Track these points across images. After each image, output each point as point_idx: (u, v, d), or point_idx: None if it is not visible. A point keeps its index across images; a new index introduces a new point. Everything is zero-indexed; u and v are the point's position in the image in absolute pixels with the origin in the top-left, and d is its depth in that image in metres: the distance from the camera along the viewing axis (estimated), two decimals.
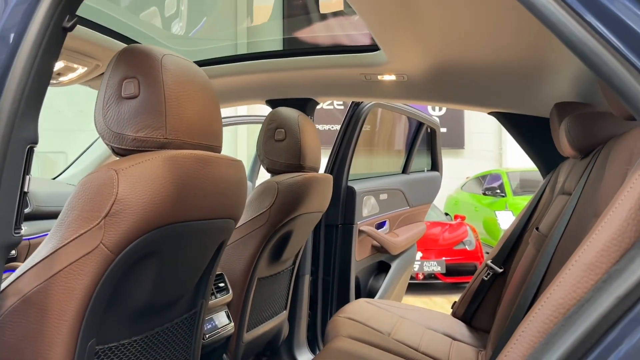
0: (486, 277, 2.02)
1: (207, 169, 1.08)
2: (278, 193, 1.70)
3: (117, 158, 1.05)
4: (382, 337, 1.67)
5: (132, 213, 0.94)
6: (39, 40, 0.89)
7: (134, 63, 1.03)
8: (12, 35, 0.89)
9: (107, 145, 1.06)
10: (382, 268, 2.78)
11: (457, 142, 10.57)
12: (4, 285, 0.94)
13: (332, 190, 2.05)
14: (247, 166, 3.71)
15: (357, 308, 1.89)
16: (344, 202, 2.45)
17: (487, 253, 7.49)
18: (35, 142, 0.90)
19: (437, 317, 2.08)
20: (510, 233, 2.07)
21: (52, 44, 0.92)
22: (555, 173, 2.00)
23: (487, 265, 2.02)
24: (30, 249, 1.84)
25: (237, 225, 1.75)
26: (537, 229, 1.69)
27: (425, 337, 1.80)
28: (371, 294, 2.66)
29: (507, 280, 1.93)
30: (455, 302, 2.15)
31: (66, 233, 0.93)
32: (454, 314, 2.11)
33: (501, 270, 1.98)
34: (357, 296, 2.56)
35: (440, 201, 8.59)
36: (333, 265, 2.42)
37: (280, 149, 1.80)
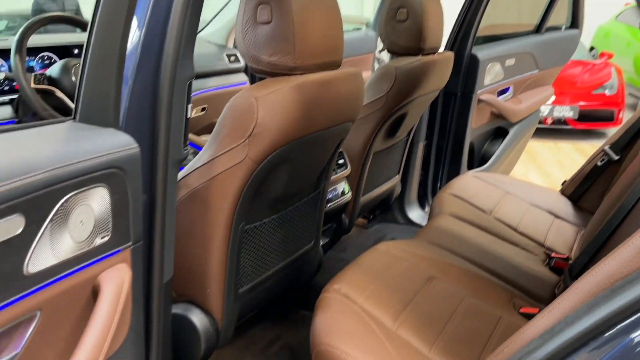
0: (600, 162, 2.03)
1: (329, 89, 1.24)
2: (396, 79, 1.80)
3: None
4: (484, 216, 1.85)
5: (269, 133, 1.15)
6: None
7: None
8: None
9: (248, 64, 1.24)
10: (499, 133, 2.83)
11: None
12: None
13: (454, 60, 2.08)
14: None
15: (464, 183, 2.05)
16: (466, 71, 2.45)
17: (631, 95, 6.89)
18: (193, 77, 1.10)
19: (544, 193, 2.17)
20: (636, 119, 2.00)
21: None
22: None
23: (603, 150, 2.02)
24: None
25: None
26: None
27: (527, 215, 1.94)
28: (485, 159, 2.77)
29: (620, 169, 1.94)
30: (565, 181, 2.21)
31: (220, 146, 1.18)
32: (562, 192, 2.19)
33: (617, 158, 1.98)
34: (470, 162, 2.69)
35: (587, 34, 7.74)
36: (448, 132, 2.53)
37: (401, 31, 1.84)
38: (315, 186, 1.54)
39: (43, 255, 0.66)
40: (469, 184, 2.05)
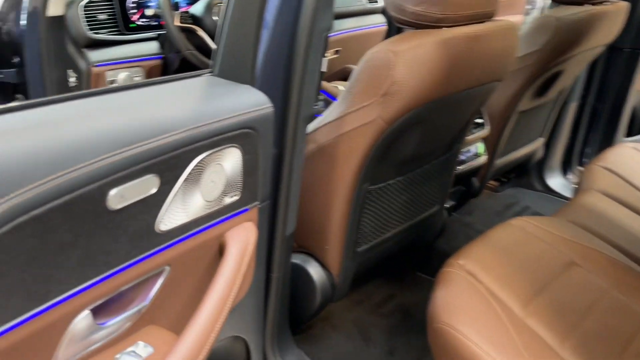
0: None
1: (477, 45, 1.10)
2: (555, 31, 1.58)
3: None
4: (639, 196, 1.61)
5: (405, 93, 1.06)
6: None
7: None
8: None
9: (390, 12, 1.14)
10: None
11: None
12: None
13: (629, 12, 1.79)
14: None
15: (620, 155, 1.79)
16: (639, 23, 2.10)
17: None
18: (330, 29, 1.03)
19: None
20: None
21: None
22: None
23: None
24: None
25: None
26: None
27: None
28: None
29: None
30: None
31: (352, 102, 1.12)
32: None
33: None
34: (630, 129, 2.36)
35: None
36: (607, 92, 2.22)
37: None
38: (447, 148, 1.43)
39: (175, 214, 0.67)
40: (627, 157, 1.80)
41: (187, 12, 1.71)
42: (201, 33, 1.68)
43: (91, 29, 1.71)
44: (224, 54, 0.82)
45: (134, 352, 0.65)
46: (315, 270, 1.31)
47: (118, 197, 0.57)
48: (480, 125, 1.72)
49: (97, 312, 0.62)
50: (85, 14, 1.70)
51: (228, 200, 0.76)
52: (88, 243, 0.55)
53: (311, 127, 1.22)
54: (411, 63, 1.05)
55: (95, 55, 1.73)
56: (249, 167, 0.78)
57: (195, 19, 1.69)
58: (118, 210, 0.58)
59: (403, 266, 1.75)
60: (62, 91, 1.74)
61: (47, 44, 1.67)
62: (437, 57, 1.05)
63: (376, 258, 1.44)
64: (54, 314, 0.54)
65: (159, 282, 0.69)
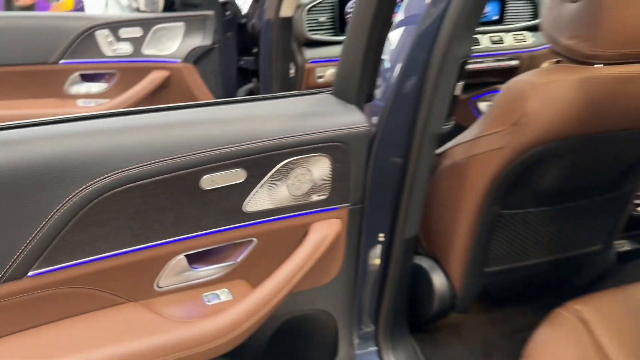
0: None
1: (629, 87, 1.02)
2: None
3: None
4: None
5: (536, 125, 1.05)
6: None
7: None
8: None
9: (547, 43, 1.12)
10: None
11: None
12: (443, 148, 1.29)
13: None
14: None
15: None
16: None
17: None
18: (468, 56, 1.08)
19: None
20: None
21: None
22: None
23: None
24: None
25: None
26: None
27: None
28: None
29: None
30: None
31: (486, 126, 1.15)
32: None
33: None
34: None
35: None
36: None
37: None
38: (615, 185, 1.32)
39: (261, 200, 0.86)
40: None
41: None
42: None
43: (310, 30, 2.01)
44: (339, 78, 0.97)
45: (217, 295, 0.88)
46: (437, 277, 1.38)
47: (209, 181, 0.79)
48: None
49: (193, 259, 0.86)
50: (308, 16, 2.00)
51: (315, 197, 0.92)
52: (182, 209, 0.79)
53: (450, 144, 1.28)
54: (546, 97, 1.03)
55: (310, 53, 2.03)
56: (338, 174, 0.93)
57: None
58: (209, 190, 0.80)
59: (556, 300, 1.65)
60: (284, 80, 2.10)
61: (277, 40, 2.03)
62: (576, 95, 1.02)
63: (512, 282, 1.43)
64: (153, 252, 0.80)
65: (248, 249, 0.90)
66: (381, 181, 1.15)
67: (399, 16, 1.11)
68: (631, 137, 1.12)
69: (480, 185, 1.20)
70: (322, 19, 2.04)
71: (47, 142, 0.73)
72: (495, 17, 2.21)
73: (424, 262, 1.40)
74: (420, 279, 1.40)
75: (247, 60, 2.16)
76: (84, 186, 0.73)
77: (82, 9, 5.74)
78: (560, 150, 1.10)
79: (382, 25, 0.98)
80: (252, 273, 0.93)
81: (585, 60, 1.03)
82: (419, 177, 1.14)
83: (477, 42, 2.20)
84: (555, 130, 1.05)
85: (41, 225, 0.72)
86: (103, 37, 1.79)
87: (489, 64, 2.20)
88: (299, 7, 2.01)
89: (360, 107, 0.98)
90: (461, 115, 1.42)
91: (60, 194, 0.72)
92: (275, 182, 0.87)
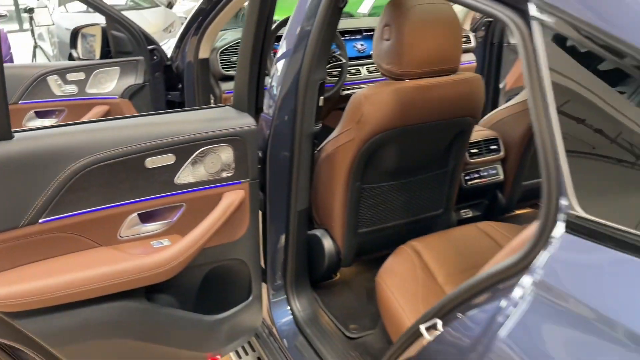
0: None
1: (428, 93, 1.58)
2: None
3: None
4: None
5: (370, 122, 1.59)
6: (324, 18, 1.53)
7: (392, 13, 1.54)
8: (309, 16, 1.55)
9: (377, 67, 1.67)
10: None
11: None
12: (322, 145, 1.81)
13: None
14: None
15: None
16: None
17: None
18: (323, 79, 1.61)
19: None
20: None
21: (332, 17, 1.54)
22: None
23: None
24: None
25: (516, 101, 2.11)
26: None
27: None
28: None
29: None
30: None
31: (342, 126, 1.68)
32: None
33: None
34: None
35: None
36: None
37: None
38: (441, 163, 1.87)
39: (186, 176, 1.33)
40: None
41: None
42: None
43: (224, 68, 2.52)
44: (235, 96, 1.47)
45: (160, 242, 1.32)
46: (327, 241, 1.88)
47: (151, 162, 1.25)
48: (495, 151, 2.10)
49: (143, 218, 1.30)
50: (221, 57, 2.52)
51: (225, 174, 1.40)
52: (134, 181, 1.24)
53: (325, 141, 1.81)
54: (374, 103, 1.58)
55: (225, 85, 2.54)
56: (239, 158, 1.41)
57: None
58: (151, 168, 1.26)
59: None
60: None
61: (197, 77, 2.51)
62: (393, 100, 1.56)
63: (380, 241, 1.94)
64: (116, 210, 1.24)
65: (180, 211, 1.36)
66: (278, 169, 1.65)
67: (279, 51, 1.63)
68: (437, 127, 1.69)
69: (344, 168, 1.72)
70: (233, 58, 2.55)
71: (50, 138, 1.18)
72: (371, 52, 2.82)
73: (318, 232, 1.90)
74: (316, 244, 1.89)
75: (173, 95, 2.62)
76: (72, 165, 1.17)
77: (10, 59, 5.96)
78: (390, 137, 1.64)
79: (259, 57, 1.49)
80: (183, 229, 1.39)
81: (398, 77, 1.59)
82: (302, 164, 1.65)
83: (358, 72, 2.79)
84: (383, 124, 1.59)
85: (47, 190, 1.15)
86: (53, 80, 2.20)
87: None
88: (214, 50, 2.52)
89: (251, 114, 1.47)
90: (334, 120, 1.96)
91: (58, 170, 1.16)
92: (196, 163, 1.35)
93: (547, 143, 0.79)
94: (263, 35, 1.45)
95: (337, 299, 1.96)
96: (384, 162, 1.75)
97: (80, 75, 2.29)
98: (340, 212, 1.80)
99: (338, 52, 2.59)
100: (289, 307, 1.83)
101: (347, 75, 2.65)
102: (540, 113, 0.80)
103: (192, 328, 1.47)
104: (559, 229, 0.78)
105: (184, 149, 1.32)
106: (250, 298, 1.61)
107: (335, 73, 2.61)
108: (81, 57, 2.58)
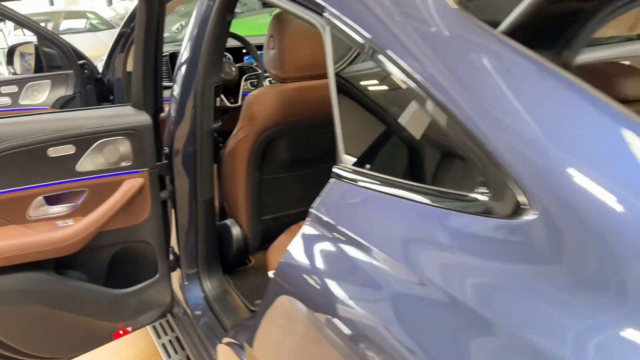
0: None
1: (308, 94, 1.84)
2: None
3: None
4: None
5: (260, 119, 1.84)
6: (213, 29, 1.78)
7: (275, 26, 1.80)
8: (202, 27, 1.80)
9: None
10: None
11: None
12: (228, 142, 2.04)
13: None
14: None
15: None
16: None
17: None
18: (218, 82, 1.85)
19: None
20: None
21: (221, 28, 1.78)
22: None
23: None
24: None
25: None
26: None
27: None
28: None
29: None
30: None
31: (239, 124, 1.92)
32: None
33: None
34: None
35: None
36: None
37: None
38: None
39: (87, 164, 1.54)
40: None
41: None
42: None
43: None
44: (133, 97, 1.70)
45: (66, 222, 1.53)
46: (235, 229, 2.10)
47: (52, 152, 1.46)
48: None
49: (50, 201, 1.51)
50: None
51: (124, 164, 1.62)
52: (38, 167, 1.45)
53: (229, 139, 2.04)
54: (262, 102, 1.83)
55: None
56: (136, 150, 1.63)
57: None
58: (53, 157, 1.47)
59: None
60: None
61: (126, 88, 2.73)
62: (278, 100, 1.81)
63: (285, 227, 2.17)
64: (24, 193, 1.44)
65: (83, 196, 1.57)
66: (184, 163, 1.87)
67: (180, 58, 1.87)
68: (321, 124, 1.94)
69: (244, 161, 1.95)
70: None
71: None
72: None
73: (228, 221, 2.12)
74: (226, 232, 2.11)
75: (105, 105, 2.83)
76: None
77: None
78: (280, 133, 1.89)
79: (153, 61, 1.72)
80: (88, 212, 1.60)
81: (282, 80, 1.84)
82: (204, 158, 1.88)
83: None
84: (270, 121, 1.84)
85: None
86: None
87: None
88: None
89: (149, 113, 1.70)
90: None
91: None
92: (95, 154, 1.56)
93: (335, 117, 1.04)
94: (155, 42, 1.68)
95: (248, 281, 2.17)
96: (279, 155, 1.99)
97: (14, 88, 2.48)
98: (244, 201, 2.03)
99: (255, 64, 2.85)
100: (201, 289, 2.03)
101: (265, 83, 2.91)
102: (333, 96, 1.05)
103: (100, 299, 1.67)
104: (332, 178, 1.03)
105: (84, 141, 1.53)
106: (157, 276, 1.81)
107: (254, 82, 2.86)
108: (18, 73, 2.77)
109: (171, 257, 1.99)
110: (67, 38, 2.69)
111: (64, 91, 2.59)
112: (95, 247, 1.63)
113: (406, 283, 0.78)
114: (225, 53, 2.87)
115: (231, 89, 2.71)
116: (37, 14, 9.46)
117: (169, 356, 2.07)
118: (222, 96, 2.67)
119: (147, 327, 2.24)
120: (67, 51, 2.57)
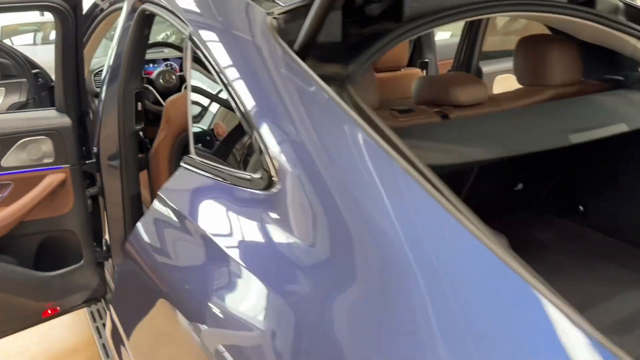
0: None
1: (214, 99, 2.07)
2: None
3: None
4: None
5: (175, 122, 2.07)
6: (132, 42, 2.00)
7: None
8: (123, 40, 2.03)
9: None
10: None
11: None
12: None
13: None
14: None
15: None
16: None
17: None
18: (138, 89, 2.07)
19: None
20: None
21: (139, 41, 2.01)
22: None
23: None
24: None
25: None
26: None
27: None
28: None
29: None
30: None
31: (161, 127, 2.15)
32: None
33: None
34: None
35: None
36: None
37: None
38: None
39: (11, 160, 1.77)
40: None
41: (147, 75, 2.89)
42: (151, 89, 2.84)
43: (97, 87, 2.98)
44: (56, 99, 1.93)
45: None
46: None
47: None
48: None
49: None
50: (95, 77, 2.99)
51: (46, 160, 1.84)
52: None
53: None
54: (176, 107, 2.06)
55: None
56: (58, 148, 1.86)
57: (150, 81, 2.87)
58: None
59: None
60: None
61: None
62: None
63: None
64: None
65: (9, 189, 1.80)
66: (110, 161, 2.09)
67: (105, 66, 2.09)
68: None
69: (166, 160, 2.18)
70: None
71: None
72: None
73: None
74: None
75: None
76: None
77: None
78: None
79: (73, 69, 1.94)
80: (13, 203, 1.82)
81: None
82: (129, 156, 2.10)
83: None
84: (183, 125, 2.07)
85: None
86: None
87: None
88: (90, 72, 2.98)
89: (71, 116, 1.92)
90: None
91: None
92: (20, 151, 1.79)
93: (189, 121, 1.28)
94: (75, 53, 1.91)
95: None
96: None
97: None
98: None
99: None
100: None
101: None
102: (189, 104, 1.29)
103: (26, 280, 1.89)
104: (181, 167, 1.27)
105: (7, 140, 1.76)
106: (82, 262, 2.03)
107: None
108: None
109: (104, 247, 2.21)
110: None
111: (17, 97, 2.81)
112: (23, 234, 1.84)
113: (196, 235, 1.03)
114: (171, 62, 3.12)
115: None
116: (26, 24, 9.56)
117: (101, 337, 2.28)
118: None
119: (85, 311, 2.45)
120: (20, 61, 2.79)
